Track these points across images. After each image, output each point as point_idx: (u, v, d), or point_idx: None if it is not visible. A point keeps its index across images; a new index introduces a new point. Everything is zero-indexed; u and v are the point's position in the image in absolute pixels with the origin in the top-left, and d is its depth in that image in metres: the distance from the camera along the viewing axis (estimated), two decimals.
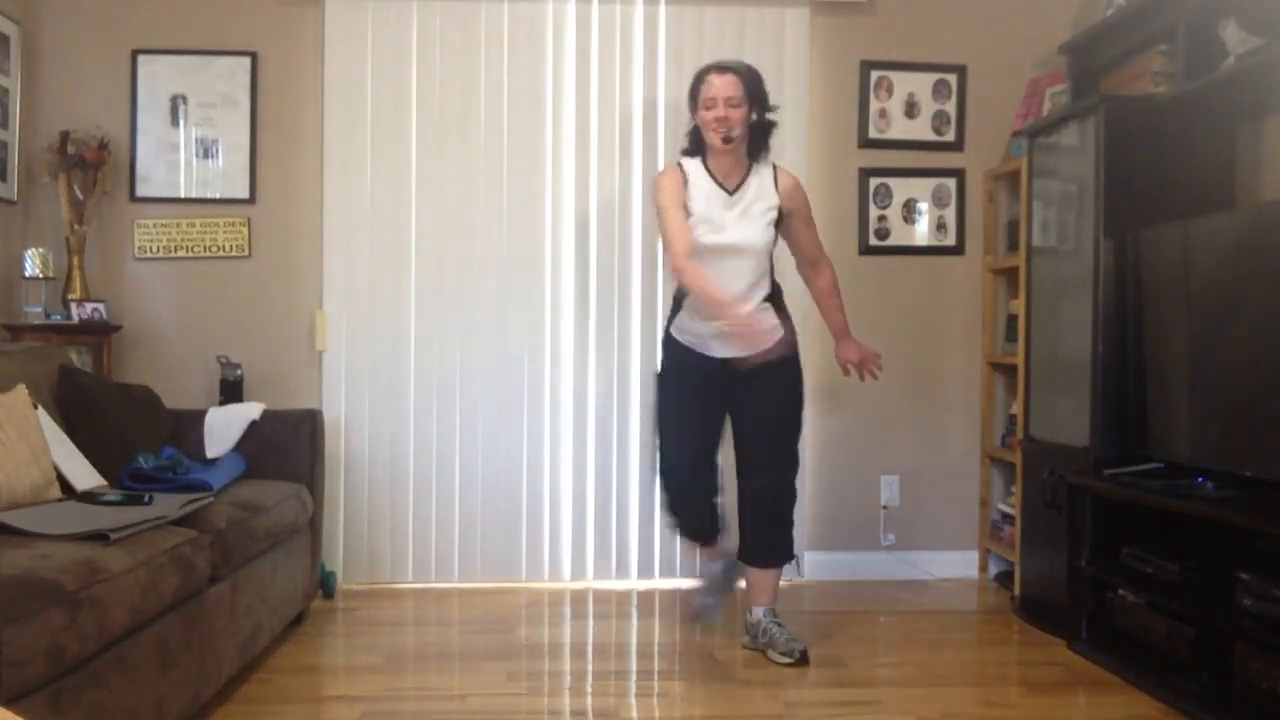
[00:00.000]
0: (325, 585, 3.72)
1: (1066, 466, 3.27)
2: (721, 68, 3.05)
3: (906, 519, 4.13)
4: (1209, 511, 2.64)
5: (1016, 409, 3.82)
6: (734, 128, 3.00)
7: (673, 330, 3.17)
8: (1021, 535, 3.60)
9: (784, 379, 3.14)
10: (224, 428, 3.36)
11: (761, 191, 3.08)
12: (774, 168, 3.14)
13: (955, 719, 2.61)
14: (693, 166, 3.11)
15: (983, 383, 4.16)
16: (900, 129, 4.10)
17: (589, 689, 2.82)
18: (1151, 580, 2.89)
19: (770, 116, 3.11)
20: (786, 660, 3.01)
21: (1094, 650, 3.09)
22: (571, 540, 3.98)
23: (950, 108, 4.11)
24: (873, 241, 4.10)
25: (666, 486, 3.21)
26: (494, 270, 3.94)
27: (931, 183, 4.12)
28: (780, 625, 3.13)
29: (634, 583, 3.96)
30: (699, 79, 3.07)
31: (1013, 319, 3.96)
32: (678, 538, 3.43)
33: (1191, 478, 2.86)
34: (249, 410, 3.41)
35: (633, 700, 2.75)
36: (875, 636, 3.34)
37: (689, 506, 3.21)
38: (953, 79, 4.09)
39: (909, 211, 4.12)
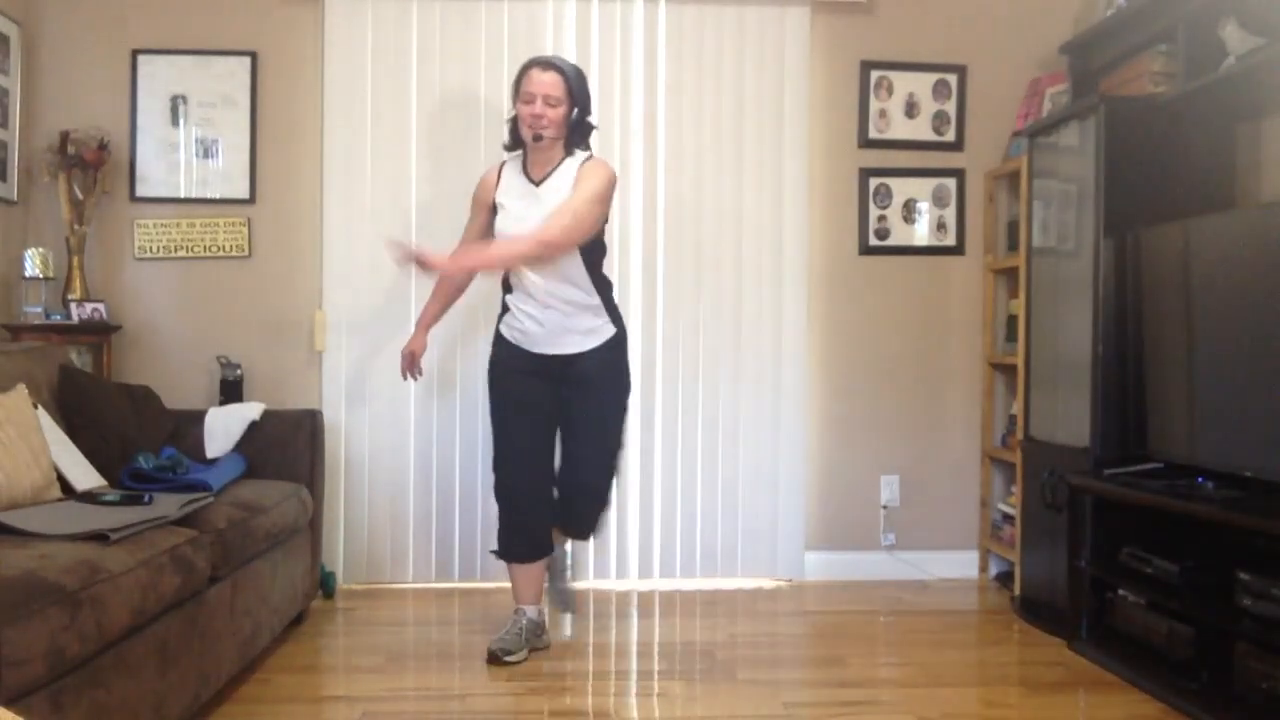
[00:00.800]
0: (325, 585, 3.72)
1: (1066, 466, 3.27)
2: (545, 64, 3.00)
3: (906, 519, 4.13)
4: (1209, 511, 2.64)
5: (1016, 409, 3.82)
6: (547, 127, 2.97)
7: (501, 329, 3.16)
8: (1021, 535, 3.60)
9: (608, 375, 3.12)
10: (224, 428, 3.36)
11: (565, 184, 3.03)
12: (587, 158, 3.08)
13: (955, 719, 2.61)
14: (511, 163, 3.13)
15: (983, 383, 4.16)
16: (900, 129, 4.10)
17: (589, 689, 2.82)
18: (1151, 580, 2.90)
19: (590, 120, 3.09)
20: (560, 606, 3.34)
21: (1094, 650, 3.09)
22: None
23: (950, 108, 4.11)
24: (873, 241, 4.10)
25: (506, 503, 3.12)
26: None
27: (931, 183, 4.12)
28: (567, 570, 3.38)
29: (634, 583, 3.96)
30: (522, 71, 3.02)
31: (1013, 319, 3.96)
32: (503, 559, 3.17)
33: (1191, 478, 2.86)
34: (249, 410, 3.41)
35: (633, 700, 2.75)
36: (875, 636, 3.34)
37: (527, 524, 3.11)
38: (953, 79, 4.10)
39: (909, 211, 4.12)
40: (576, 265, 3.02)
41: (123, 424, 3.08)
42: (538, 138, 2.98)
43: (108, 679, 1.98)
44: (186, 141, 3.89)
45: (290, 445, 3.37)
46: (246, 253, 3.92)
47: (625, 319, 3.64)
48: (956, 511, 4.14)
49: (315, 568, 3.47)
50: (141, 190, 3.88)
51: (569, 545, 3.42)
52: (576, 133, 3.08)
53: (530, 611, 3.15)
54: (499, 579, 3.92)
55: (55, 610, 1.81)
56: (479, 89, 3.93)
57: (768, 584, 4.00)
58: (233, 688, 2.74)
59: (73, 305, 3.65)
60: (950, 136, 4.11)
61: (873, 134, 4.09)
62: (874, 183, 4.10)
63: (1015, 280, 3.91)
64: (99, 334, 3.71)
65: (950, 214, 4.13)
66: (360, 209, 3.90)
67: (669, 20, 3.98)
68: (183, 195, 3.90)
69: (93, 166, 3.72)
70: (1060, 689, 2.86)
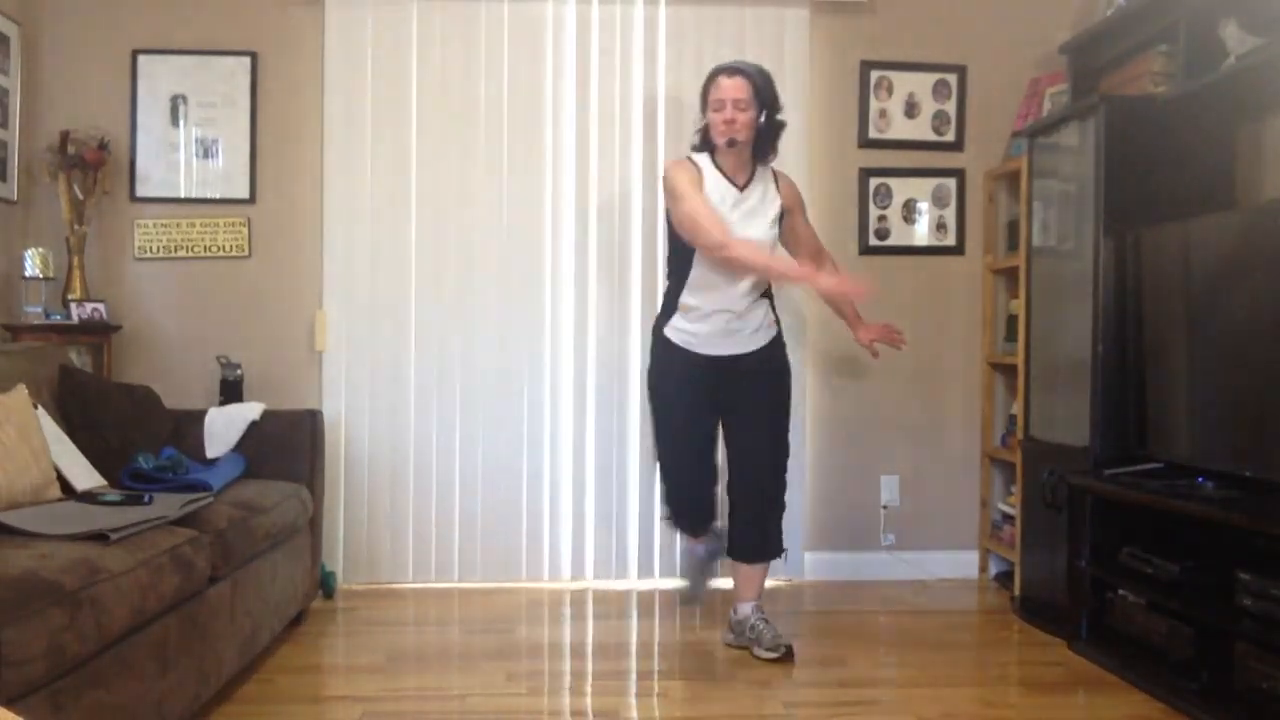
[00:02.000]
0: (325, 585, 3.72)
1: (1066, 466, 3.27)
2: (732, 70, 3.08)
3: (906, 519, 4.13)
4: (1209, 511, 2.64)
5: (1016, 409, 3.82)
6: (739, 131, 3.04)
7: (667, 331, 3.17)
8: (1021, 535, 3.60)
9: (775, 375, 3.19)
10: (224, 428, 3.35)
11: (766, 191, 3.16)
12: (773, 172, 3.22)
13: (955, 719, 2.61)
14: (704, 161, 3.14)
15: (983, 383, 4.16)
16: (900, 129, 4.10)
17: (589, 689, 2.82)
18: (1151, 580, 2.90)
19: (779, 118, 3.15)
20: (772, 655, 3.03)
21: (1094, 650, 3.09)
22: (571, 540, 3.97)
23: (950, 108, 4.11)
24: (873, 241, 4.10)
25: (671, 496, 3.28)
26: (494, 270, 3.94)
27: (931, 183, 4.12)
28: (767, 622, 3.14)
29: (634, 583, 3.96)
30: (710, 78, 3.11)
31: (1013, 319, 3.96)
32: (675, 529, 3.45)
33: (1191, 478, 2.86)
34: (249, 410, 3.41)
35: (633, 700, 2.75)
36: (875, 636, 3.34)
37: (693, 508, 3.27)
38: (953, 79, 4.09)
39: (909, 211, 4.12)
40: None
41: (123, 424, 3.08)
42: (731, 142, 3.04)
43: (108, 679, 1.98)
44: (186, 141, 3.89)
45: (290, 445, 3.37)
46: (246, 253, 3.92)
47: (626, 319, 3.69)
48: (956, 511, 4.14)
49: (315, 568, 3.47)
50: (141, 190, 3.88)
51: (756, 604, 3.23)
52: (766, 134, 3.11)
53: (698, 548, 3.38)
54: (499, 579, 3.93)
55: (55, 610, 1.81)
56: (479, 89, 3.93)
57: (768, 584, 3.98)
58: (233, 688, 2.74)
59: (73, 305, 3.65)
60: (950, 136, 4.11)
61: (873, 134, 4.09)
62: (874, 183, 4.10)
63: (1015, 280, 3.91)
64: (99, 334, 3.71)
65: (950, 214, 4.13)
66: (360, 209, 3.90)
67: (669, 20, 3.98)
68: (183, 195, 3.90)
69: (93, 166, 3.72)
70: (1060, 689, 2.86)
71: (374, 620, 3.47)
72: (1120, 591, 3.04)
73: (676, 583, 3.85)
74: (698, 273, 3.08)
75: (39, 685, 1.76)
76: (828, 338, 4.08)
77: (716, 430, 3.24)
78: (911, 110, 4.10)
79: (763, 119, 3.08)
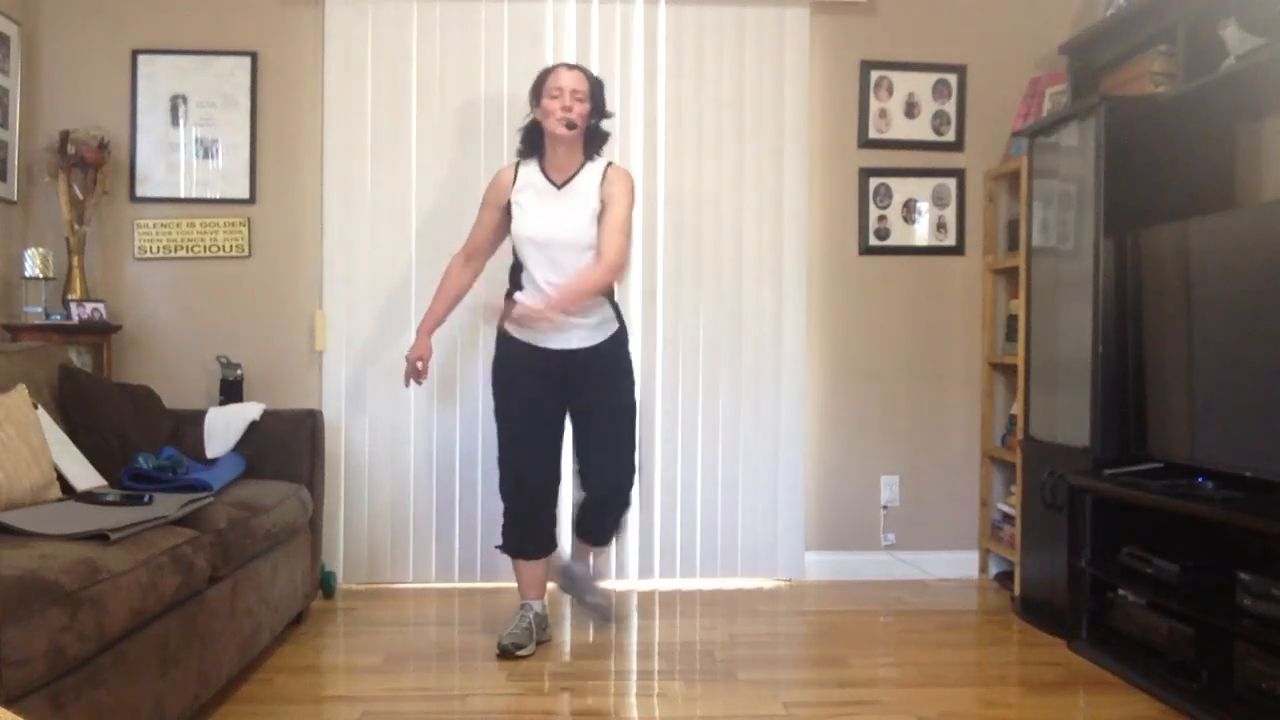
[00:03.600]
0: (325, 585, 3.72)
1: (1066, 466, 3.27)
2: (571, 65, 3.16)
3: (906, 519, 4.13)
4: (1209, 511, 2.64)
5: (1016, 409, 3.82)
6: (577, 116, 3.07)
7: (505, 325, 3.17)
8: (1021, 535, 3.60)
9: (615, 372, 3.20)
10: (224, 428, 3.36)
11: (589, 187, 3.13)
12: (607, 165, 3.19)
13: (955, 719, 2.61)
14: (527, 166, 3.19)
15: (983, 383, 4.16)
16: (900, 129, 4.10)
17: (589, 689, 2.82)
18: (1151, 580, 2.90)
19: (604, 127, 3.20)
20: (596, 620, 3.37)
21: (1094, 650, 3.09)
22: (571, 540, 3.97)
23: (950, 108, 4.11)
24: (873, 241, 4.10)
25: (513, 502, 3.16)
26: (493, 269, 3.93)
27: (931, 183, 4.12)
28: (598, 585, 3.38)
29: (634, 583, 3.96)
30: (547, 70, 3.14)
31: (1013, 319, 3.96)
32: (509, 555, 3.22)
33: (1191, 478, 2.86)
34: (249, 410, 3.41)
35: (633, 700, 2.75)
36: (875, 636, 3.34)
37: (535, 521, 3.17)
38: (953, 79, 4.10)
39: (909, 211, 4.12)
40: (588, 264, 3.08)
41: (123, 424, 3.08)
42: (571, 125, 3.05)
43: (108, 679, 1.98)
44: (186, 141, 3.89)
45: (290, 445, 3.37)
46: (246, 253, 3.92)
47: (627, 319, 3.64)
48: (956, 511, 4.14)
49: (315, 568, 3.47)
50: (141, 190, 3.88)
51: (591, 559, 3.41)
52: (592, 139, 3.17)
53: (536, 605, 3.21)
54: (499, 579, 3.92)
55: (55, 610, 1.81)
56: (479, 89, 3.93)
57: (768, 584, 4.00)
58: (233, 688, 2.74)
59: (73, 305, 3.65)
60: (950, 136, 4.11)
61: (873, 134, 4.09)
62: (874, 183, 4.10)
63: (1015, 280, 3.91)
64: (99, 334, 3.71)
65: (950, 214, 4.13)
66: (360, 209, 3.90)
67: (669, 20, 3.98)
68: (183, 195, 3.90)
69: (93, 166, 3.72)
70: (1060, 689, 2.86)
71: (374, 620, 3.47)
72: (1120, 591, 3.04)
73: (687, 584, 3.85)
74: (524, 275, 3.15)
75: (39, 685, 1.76)
76: (828, 339, 4.08)
77: (562, 429, 3.21)
78: (911, 110, 4.10)
79: (592, 120, 3.14)
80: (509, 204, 3.15)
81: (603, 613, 3.36)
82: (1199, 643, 2.69)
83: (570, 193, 3.12)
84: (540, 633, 3.18)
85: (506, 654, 3.06)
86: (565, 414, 3.21)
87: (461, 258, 3.29)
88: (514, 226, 3.12)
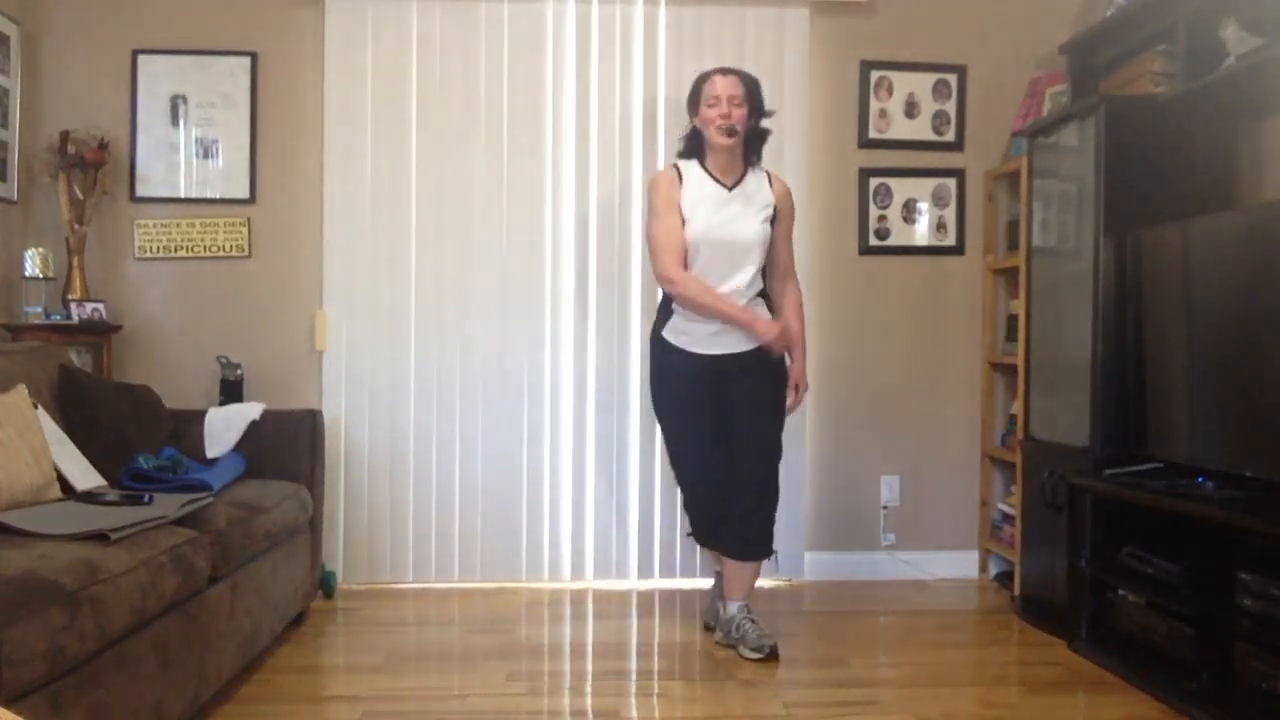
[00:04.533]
0: (325, 585, 3.72)
1: (1066, 466, 3.27)
2: (726, 70, 3.20)
3: (906, 519, 4.13)
4: (1209, 511, 2.64)
5: (1016, 409, 3.82)
6: (737, 122, 3.12)
7: (664, 333, 3.22)
8: (1021, 535, 3.60)
9: (770, 375, 3.23)
10: (224, 428, 3.36)
11: (759, 189, 3.22)
12: (768, 173, 3.28)
13: (955, 719, 2.61)
14: (689, 166, 3.22)
15: (983, 383, 4.16)
16: (900, 129, 4.10)
17: (589, 689, 2.82)
18: (1151, 580, 2.90)
19: (765, 124, 3.25)
20: (756, 656, 3.06)
21: (1094, 650, 3.09)
22: (571, 540, 3.97)
23: (950, 108, 4.11)
24: (873, 241, 4.10)
25: (697, 500, 3.25)
26: (494, 270, 3.94)
27: (931, 183, 4.12)
28: (753, 622, 3.16)
29: (634, 583, 3.96)
30: (703, 78, 3.20)
31: (1013, 319, 3.96)
32: (701, 545, 3.43)
33: (1191, 478, 2.86)
34: (249, 410, 3.41)
35: (633, 700, 2.75)
36: (875, 636, 3.34)
37: (717, 512, 3.22)
38: (953, 79, 4.09)
39: (909, 211, 4.12)
40: (759, 273, 3.18)
41: (123, 424, 3.08)
42: (731, 132, 3.11)
43: (108, 679, 1.98)
44: (186, 141, 3.89)
45: (290, 445, 3.37)
46: (246, 253, 3.92)
47: (627, 317, 3.67)
48: (956, 511, 4.14)
49: (315, 568, 3.47)
50: (141, 190, 3.88)
51: (744, 604, 3.23)
52: (755, 138, 3.22)
53: (740, 605, 3.20)
54: (499, 579, 3.93)
55: (55, 610, 1.81)
56: (479, 89, 3.93)
57: (768, 584, 4.00)
58: (233, 688, 2.74)
59: (73, 305, 3.65)
60: (950, 136, 4.11)
61: (873, 134, 4.09)
62: (874, 183, 4.10)
63: (1015, 280, 3.91)
64: (99, 334, 3.71)
65: (950, 214, 4.13)
66: (360, 209, 3.90)
67: (669, 20, 3.98)
68: (183, 195, 3.90)
69: (93, 166, 3.72)
70: (1060, 689, 2.86)
71: (374, 620, 3.47)
72: (1120, 591, 3.04)
73: (686, 584, 3.85)
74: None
75: (39, 685, 1.76)
76: (828, 339, 4.08)
77: (720, 426, 3.23)
78: (911, 110, 4.10)
79: (752, 122, 3.19)
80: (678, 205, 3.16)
81: (760, 649, 3.08)
82: (1199, 643, 2.69)
83: (741, 194, 3.18)
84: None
85: (774, 653, 3.05)
86: (720, 414, 3.20)
87: (680, 268, 3.13)
88: (689, 231, 3.12)
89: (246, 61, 3.89)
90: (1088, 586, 3.16)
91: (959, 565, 4.13)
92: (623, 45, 3.96)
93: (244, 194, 3.91)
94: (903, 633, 3.38)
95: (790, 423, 3.97)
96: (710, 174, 3.19)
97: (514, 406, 3.95)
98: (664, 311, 3.25)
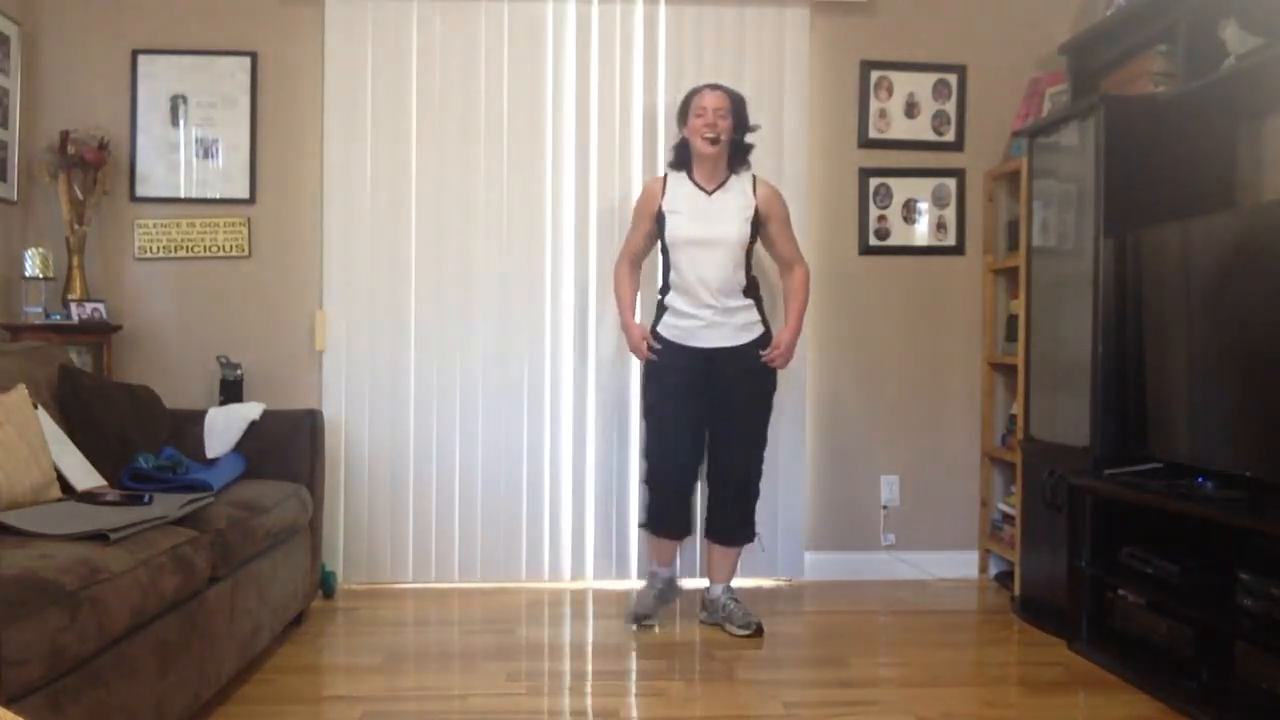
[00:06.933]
0: (325, 585, 3.72)
1: (1066, 466, 3.27)
2: (714, 86, 3.42)
3: (906, 519, 4.13)
4: (1209, 511, 2.64)
5: (1016, 409, 3.82)
6: (720, 133, 3.33)
7: (659, 328, 3.43)
8: (1021, 535, 3.60)
9: (760, 371, 3.40)
10: (224, 428, 3.35)
11: (740, 194, 3.40)
12: (754, 177, 3.46)
13: (955, 719, 2.61)
14: (675, 176, 3.46)
15: (983, 383, 4.16)
16: (900, 129, 4.10)
17: (589, 689, 2.82)
18: (1151, 580, 2.90)
19: (748, 140, 3.45)
20: (744, 633, 3.29)
21: (1094, 650, 3.09)
22: (571, 540, 3.97)
23: (950, 108, 4.11)
24: (873, 241, 4.10)
25: (658, 484, 3.44)
26: (494, 270, 3.94)
27: (931, 183, 4.12)
28: (737, 601, 3.40)
29: (634, 583, 3.96)
30: (693, 93, 3.42)
31: (1013, 319, 3.96)
32: (650, 532, 3.52)
33: (1191, 478, 2.86)
34: (249, 410, 3.41)
35: (633, 700, 2.75)
36: (875, 636, 3.34)
37: (676, 503, 3.45)
38: (953, 79, 4.09)
39: (909, 211, 4.12)
40: (740, 271, 3.36)
41: (123, 424, 3.08)
42: (715, 140, 3.31)
43: (108, 679, 1.98)
44: (186, 141, 3.89)
45: (290, 445, 3.37)
46: (246, 253, 3.92)
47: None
48: (956, 511, 4.14)
49: (315, 568, 3.47)
50: (141, 190, 3.88)
51: (729, 578, 3.51)
52: (736, 152, 3.42)
53: (664, 572, 3.51)
54: (499, 579, 3.93)
55: (55, 610, 1.81)
56: (479, 89, 3.93)
57: (768, 584, 4.00)
58: (233, 688, 2.74)
59: (73, 305, 3.65)
60: (950, 136, 4.11)
61: (873, 134, 4.09)
62: (874, 183, 4.10)
63: (1015, 280, 3.91)
64: (99, 334, 3.71)
65: (950, 214, 4.13)
66: (360, 209, 3.90)
67: (669, 20, 3.98)
68: (183, 195, 3.90)
69: (93, 166, 3.72)
70: (1060, 689, 2.86)
71: (374, 620, 3.47)
72: (1120, 591, 3.04)
73: (685, 584, 3.86)
74: (676, 277, 3.39)
75: (39, 685, 1.76)
76: (828, 339, 4.08)
77: (703, 423, 3.43)
78: (911, 110, 4.10)
79: (735, 136, 3.39)
80: (659, 213, 3.39)
81: (746, 626, 3.31)
82: (1199, 643, 2.69)
83: (721, 197, 3.38)
84: (669, 596, 3.50)
85: (637, 621, 3.34)
86: (706, 409, 3.39)
87: (625, 264, 3.53)
88: (668, 232, 3.37)
89: (246, 61, 3.89)
90: (1088, 586, 3.16)
91: (959, 565, 4.13)
92: (623, 45, 3.96)
93: (244, 194, 3.91)
94: (903, 633, 3.38)
95: (790, 423, 3.99)
96: (694, 181, 3.40)
97: (514, 405, 3.95)
98: (660, 308, 3.45)
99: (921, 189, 4.12)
